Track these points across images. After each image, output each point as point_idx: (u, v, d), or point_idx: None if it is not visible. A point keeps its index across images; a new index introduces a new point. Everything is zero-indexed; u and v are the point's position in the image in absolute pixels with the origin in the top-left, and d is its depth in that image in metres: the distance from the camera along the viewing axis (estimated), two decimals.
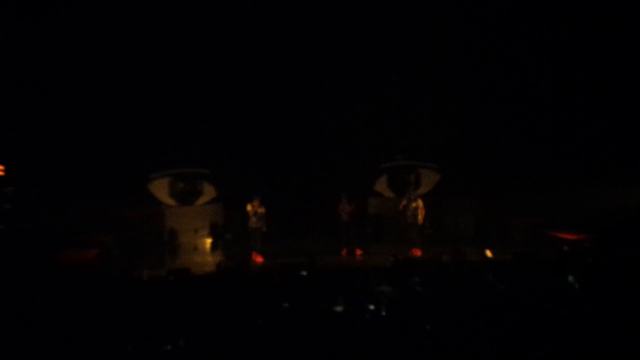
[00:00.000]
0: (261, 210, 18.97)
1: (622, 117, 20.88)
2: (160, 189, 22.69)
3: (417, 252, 18.77)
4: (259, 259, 18.67)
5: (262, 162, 24.14)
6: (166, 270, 14.45)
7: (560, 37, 21.95)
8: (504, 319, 9.21)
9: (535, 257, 14.60)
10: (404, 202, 19.55)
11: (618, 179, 19.30)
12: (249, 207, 18.98)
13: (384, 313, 9.80)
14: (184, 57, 23.49)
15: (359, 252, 19.51)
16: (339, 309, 9.98)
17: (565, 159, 21.01)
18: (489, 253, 16.12)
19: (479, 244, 18.55)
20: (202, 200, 23.08)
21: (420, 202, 19.35)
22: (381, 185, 23.73)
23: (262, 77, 24.46)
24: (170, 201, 22.73)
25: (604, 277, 11.68)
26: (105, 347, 8.60)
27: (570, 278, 11.48)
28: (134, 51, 22.68)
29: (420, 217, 19.28)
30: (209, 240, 22.17)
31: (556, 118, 22.19)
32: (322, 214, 21.50)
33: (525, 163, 21.87)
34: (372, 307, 10.00)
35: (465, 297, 10.43)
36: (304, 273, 13.20)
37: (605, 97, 21.23)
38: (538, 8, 22.14)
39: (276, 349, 8.32)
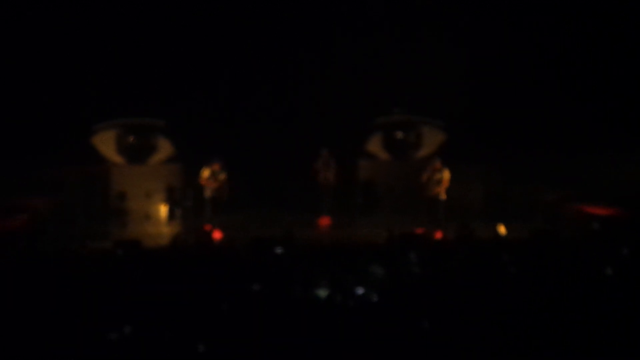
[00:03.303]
0: (222, 176, 19.09)
1: None
2: (106, 143, 22.47)
3: (438, 234, 18.68)
4: (217, 234, 18.74)
5: (229, 113, 24.03)
6: (112, 242, 14.48)
7: None
8: (514, 309, 9.29)
9: (557, 235, 14.72)
10: (428, 172, 19.55)
11: None
12: (205, 173, 19.10)
13: (374, 299, 9.88)
14: None
15: (324, 221, 19.57)
16: (321, 293, 10.04)
17: (596, 120, 21.12)
18: (502, 229, 16.27)
19: (491, 219, 18.69)
20: (156, 157, 22.93)
21: (446, 174, 19.35)
22: (375, 145, 23.63)
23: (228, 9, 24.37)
24: (117, 158, 22.58)
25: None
26: (38, 334, 8.63)
27: (608, 270, 11.51)
28: None
29: (443, 192, 19.33)
30: (164, 207, 22.10)
31: (586, 71, 22.30)
32: (299, 177, 21.55)
33: (547, 123, 21.96)
34: (360, 291, 10.07)
35: (471, 281, 10.53)
36: (279, 250, 13.26)
37: None
38: None
39: (243, 341, 8.37)
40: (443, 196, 19.37)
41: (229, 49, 24.29)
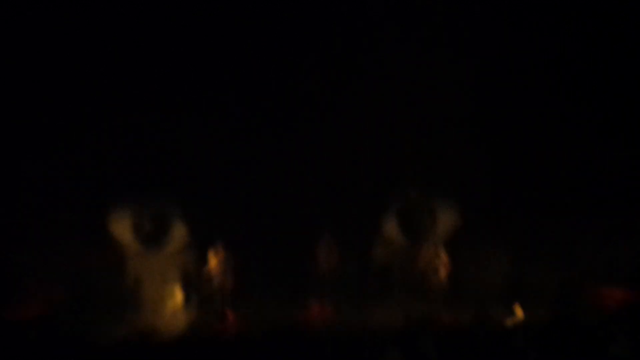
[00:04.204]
0: (230, 263, 19.30)
1: None
2: (122, 230, 22.66)
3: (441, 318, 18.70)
4: (234, 320, 18.76)
5: (238, 196, 24.15)
6: (128, 330, 14.53)
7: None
8: None
9: (576, 320, 14.67)
10: (426, 257, 19.67)
11: None
12: (212, 259, 19.32)
13: None
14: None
15: (326, 311, 19.59)
16: None
17: (615, 196, 21.19)
18: (519, 313, 16.24)
19: (507, 303, 18.66)
20: (172, 244, 23.02)
21: (445, 258, 19.46)
22: (390, 228, 23.66)
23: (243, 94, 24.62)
24: (133, 245, 22.71)
25: None
26: None
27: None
28: None
29: (442, 277, 19.40)
30: (180, 294, 22.14)
31: (603, 145, 22.44)
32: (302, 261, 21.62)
33: (566, 201, 21.99)
34: None
35: None
36: (296, 339, 13.32)
37: None
38: None
39: None
40: (443, 280, 19.43)
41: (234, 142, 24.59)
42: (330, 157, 23.90)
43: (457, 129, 23.99)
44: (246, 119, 24.03)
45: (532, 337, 12.86)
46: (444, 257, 19.51)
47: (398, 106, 24.20)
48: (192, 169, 23.51)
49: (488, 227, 22.16)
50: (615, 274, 19.86)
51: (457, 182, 23.24)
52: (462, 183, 23.13)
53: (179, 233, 22.83)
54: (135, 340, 13.43)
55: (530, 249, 21.89)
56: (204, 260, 20.94)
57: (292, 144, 24.24)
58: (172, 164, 23.51)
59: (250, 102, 24.16)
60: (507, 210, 22.34)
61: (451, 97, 23.90)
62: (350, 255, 21.38)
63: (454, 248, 22.14)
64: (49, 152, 22.32)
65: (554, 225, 21.45)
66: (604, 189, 21.59)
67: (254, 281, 21.26)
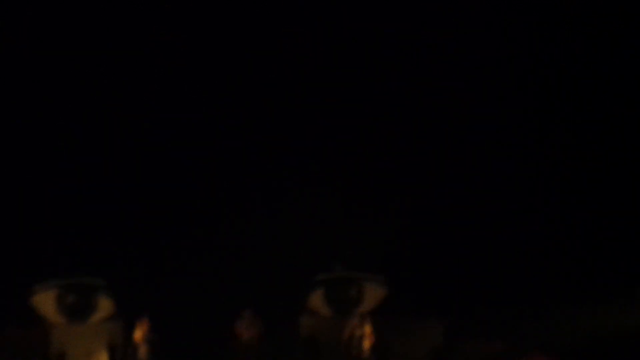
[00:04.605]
0: (152, 335, 19.32)
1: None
2: (46, 304, 22.35)
3: None
4: None
5: (167, 271, 24.12)
6: None
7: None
8: None
9: None
10: (349, 328, 19.81)
11: (594, 298, 19.90)
12: (137, 333, 19.30)
13: None
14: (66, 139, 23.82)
15: None
16: None
17: (533, 275, 21.56)
18: None
19: None
20: (97, 316, 22.78)
21: (368, 329, 19.60)
22: (316, 301, 23.70)
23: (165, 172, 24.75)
24: (57, 318, 22.41)
25: None
26: None
27: None
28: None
29: (366, 349, 19.53)
30: None
31: (525, 227, 22.91)
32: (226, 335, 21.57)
33: (489, 276, 22.30)
34: None
35: None
36: None
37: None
38: None
39: None
40: (366, 352, 19.54)
41: (155, 206, 24.59)
42: (258, 233, 24.10)
43: (380, 205, 24.33)
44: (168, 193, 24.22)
45: None
46: (368, 329, 19.59)
47: (322, 180, 24.57)
48: (118, 244, 23.47)
49: (417, 298, 22.37)
50: (539, 345, 20.10)
51: (385, 256, 23.52)
52: (391, 256, 23.42)
53: (103, 305, 22.61)
54: None
55: (460, 320, 22.08)
56: (130, 331, 20.72)
57: (217, 218, 24.38)
58: (96, 237, 23.45)
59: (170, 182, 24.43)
60: (438, 282, 22.58)
61: (372, 176, 24.34)
62: (278, 327, 21.34)
63: (382, 319, 22.26)
64: None
65: (484, 298, 21.72)
66: (531, 266, 22.00)
67: (179, 354, 21.13)
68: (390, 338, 22.31)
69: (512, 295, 21.46)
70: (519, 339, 20.85)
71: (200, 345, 22.30)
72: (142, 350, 19.60)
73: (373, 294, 23.38)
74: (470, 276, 22.67)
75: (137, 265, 23.73)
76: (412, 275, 23.52)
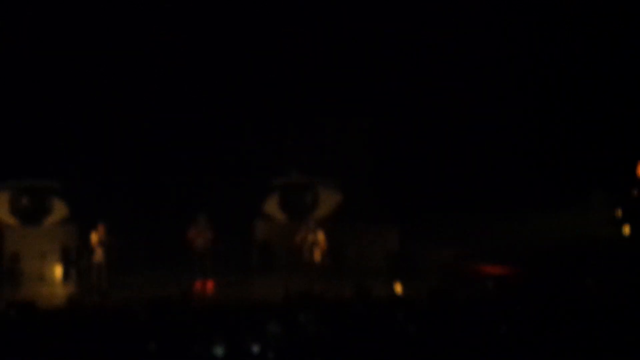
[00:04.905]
0: (109, 238, 19.34)
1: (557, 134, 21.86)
2: None
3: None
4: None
5: (120, 174, 23.98)
6: (5, 303, 14.29)
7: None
8: None
9: (452, 295, 14.96)
10: (301, 234, 19.92)
11: (547, 206, 20.03)
12: (93, 236, 19.30)
13: (271, 357, 9.94)
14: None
15: (210, 285, 19.64)
16: (218, 352, 10.07)
17: (489, 182, 21.63)
18: (398, 288, 16.45)
19: (388, 278, 18.91)
20: (50, 219, 22.71)
21: (320, 236, 19.69)
22: (271, 206, 23.73)
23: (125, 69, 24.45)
24: (10, 220, 22.32)
25: (533, 319, 12.08)
26: None
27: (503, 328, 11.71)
28: None
29: (317, 254, 19.65)
30: (58, 268, 21.83)
31: (481, 135, 22.89)
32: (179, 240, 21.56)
33: (443, 184, 22.36)
34: (257, 349, 10.13)
35: (370, 340, 10.66)
36: (176, 308, 13.27)
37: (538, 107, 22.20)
38: None
39: None
40: (318, 258, 19.66)
41: (118, 106, 24.31)
42: (214, 137, 23.94)
43: (337, 109, 24.21)
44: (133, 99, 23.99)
45: (411, 311, 13.03)
46: (321, 235, 19.68)
47: (281, 84, 24.38)
48: (73, 146, 23.28)
49: (373, 203, 22.42)
50: (492, 252, 20.27)
51: (341, 161, 23.46)
52: (347, 161, 23.37)
53: (57, 208, 22.50)
54: (14, 314, 13.20)
55: (414, 226, 22.18)
56: (84, 235, 20.65)
57: (174, 120, 24.18)
58: (51, 139, 23.23)
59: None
60: (393, 188, 22.61)
61: (331, 81, 24.17)
62: (233, 232, 21.35)
63: (338, 225, 22.34)
64: None
65: (439, 204, 21.81)
66: (487, 171, 22.07)
67: (135, 258, 21.15)
68: (346, 243, 22.46)
69: (466, 202, 21.54)
70: (472, 246, 21.01)
71: (155, 251, 22.34)
72: (98, 254, 19.56)
73: (328, 199, 23.41)
74: (425, 182, 22.70)
75: (92, 169, 23.54)
76: (367, 181, 23.53)
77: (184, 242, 20.41)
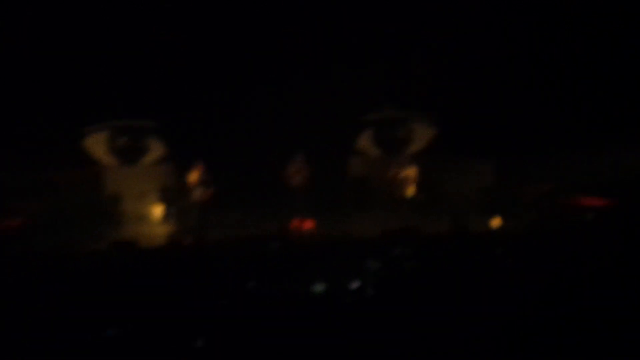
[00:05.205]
0: (206, 179, 19.52)
1: None
2: (97, 146, 22.49)
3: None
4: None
5: (217, 112, 24.00)
6: (107, 243, 14.51)
7: None
8: (511, 301, 9.32)
9: (550, 228, 14.79)
10: (395, 169, 19.90)
11: None
12: (190, 177, 19.69)
13: (370, 293, 9.93)
14: None
15: (308, 222, 19.63)
16: (317, 289, 10.10)
17: (587, 114, 21.24)
18: (495, 223, 16.30)
19: (484, 213, 18.76)
20: (148, 158, 22.96)
21: (412, 172, 19.63)
22: (365, 142, 23.66)
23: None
24: (109, 160, 22.61)
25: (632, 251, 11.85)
26: (35, 334, 8.68)
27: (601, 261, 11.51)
28: None
29: (411, 190, 19.59)
30: (158, 208, 22.10)
31: (581, 63, 22.42)
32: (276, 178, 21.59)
33: (540, 116, 22.00)
34: (356, 286, 10.13)
35: (467, 275, 10.59)
36: (274, 246, 13.32)
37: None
38: None
39: (240, 338, 8.41)
40: (411, 193, 19.59)
41: (214, 49, 24.31)
42: (308, 73, 23.81)
43: (429, 41, 23.89)
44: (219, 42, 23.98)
45: (509, 246, 12.90)
46: (413, 170, 19.62)
47: (374, 20, 24.11)
48: (170, 85, 23.39)
49: (468, 138, 22.14)
50: (591, 184, 19.92)
51: (435, 94, 23.17)
52: (442, 95, 23.05)
53: (154, 148, 22.73)
54: (115, 254, 13.41)
55: (511, 160, 21.89)
56: (181, 174, 20.82)
57: (269, 61, 24.15)
58: (149, 79, 23.36)
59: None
60: (489, 122, 22.30)
61: (427, 15, 23.81)
62: (328, 169, 21.34)
63: (433, 159, 22.20)
64: (24, 68, 22.11)
65: (535, 137, 21.48)
66: (584, 103, 21.65)
67: (233, 197, 21.29)
68: (441, 178, 22.32)
69: (563, 134, 21.15)
70: (570, 178, 20.69)
71: (252, 190, 22.45)
72: (195, 194, 19.82)
73: (422, 133, 23.27)
74: (521, 114, 22.35)
75: (190, 108, 23.63)
76: (462, 115, 23.21)
77: (282, 180, 20.47)
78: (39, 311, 9.31)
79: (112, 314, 9.00)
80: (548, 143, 21.26)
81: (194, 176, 19.80)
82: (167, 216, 21.71)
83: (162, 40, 23.83)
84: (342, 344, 8.16)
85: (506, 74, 23.03)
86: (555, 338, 8.41)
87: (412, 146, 22.88)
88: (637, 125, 20.36)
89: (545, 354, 8.25)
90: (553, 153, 20.99)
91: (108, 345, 8.34)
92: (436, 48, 23.89)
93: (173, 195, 21.78)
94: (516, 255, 12.00)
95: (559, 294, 9.58)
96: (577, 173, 20.25)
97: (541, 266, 11.19)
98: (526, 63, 23.00)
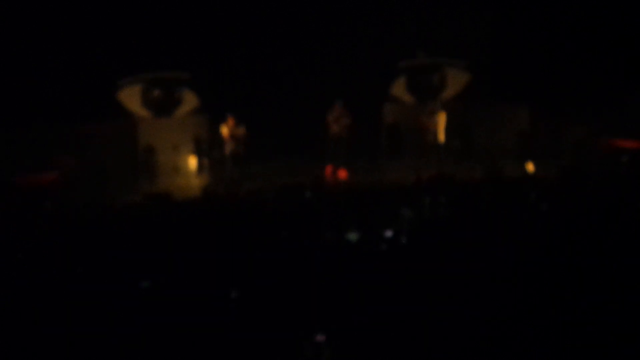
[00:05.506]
0: (238, 131, 19.50)
1: None
2: (131, 98, 22.56)
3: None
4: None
5: (251, 64, 23.91)
6: (142, 195, 14.55)
7: None
8: (547, 247, 9.24)
9: (585, 171, 14.66)
10: (428, 116, 19.85)
11: None
12: (223, 129, 19.62)
13: (404, 241, 9.89)
14: None
15: (343, 171, 19.58)
16: (351, 237, 10.06)
17: (626, 56, 20.97)
18: (530, 167, 16.18)
19: (519, 158, 18.64)
20: (182, 110, 22.98)
21: (442, 117, 19.55)
22: (399, 89, 23.56)
23: None
24: (143, 113, 22.65)
25: None
26: (72, 284, 8.72)
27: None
28: None
29: (443, 137, 19.54)
30: (192, 160, 22.13)
31: (613, 4, 22.07)
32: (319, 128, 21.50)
33: (574, 58, 21.74)
34: (390, 234, 10.09)
35: (503, 220, 10.52)
36: (309, 195, 13.29)
37: None
38: None
39: (274, 289, 8.41)
40: (441, 139, 19.53)
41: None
42: (342, 21, 23.60)
43: None
44: None
45: (544, 190, 12.80)
46: (441, 115, 19.56)
47: None
48: (203, 36, 23.26)
49: (502, 82, 21.91)
50: (626, 126, 19.72)
51: (468, 39, 22.91)
52: (475, 40, 22.79)
53: (188, 99, 22.75)
54: (151, 206, 13.45)
55: (545, 104, 21.67)
56: (214, 126, 20.80)
57: (301, 10, 23.92)
58: (182, 30, 23.25)
59: None
60: (522, 66, 22.04)
61: None
62: (362, 117, 21.23)
63: (467, 105, 22.05)
64: (59, 22, 22.07)
65: (570, 80, 21.22)
66: (618, 45, 21.34)
67: (267, 148, 21.31)
68: (474, 124, 22.17)
69: (597, 79, 20.89)
70: (605, 121, 20.49)
71: (286, 140, 22.41)
72: (229, 146, 19.83)
73: (456, 79, 23.14)
74: (555, 57, 22.09)
75: (223, 58, 23.54)
76: (496, 59, 22.98)
77: (320, 129, 20.40)
78: (75, 264, 9.36)
79: (147, 266, 9.02)
80: (582, 86, 21.01)
81: (225, 129, 19.78)
82: (201, 168, 21.78)
83: None
84: (376, 292, 8.14)
85: (540, 18, 22.73)
86: (589, 282, 8.33)
87: (446, 93, 22.76)
88: None
89: (579, 298, 8.16)
90: (588, 96, 20.75)
91: (143, 297, 8.36)
92: None
93: (207, 147, 21.84)
94: (551, 200, 11.89)
95: (595, 238, 9.48)
96: (612, 115, 20.03)
97: (576, 209, 11.10)
98: (560, 5, 22.65)
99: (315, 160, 20.76)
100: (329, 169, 19.49)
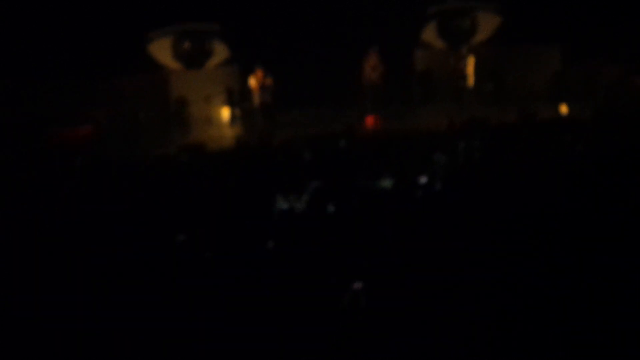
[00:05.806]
0: (267, 81, 19.44)
1: None
2: (162, 51, 22.56)
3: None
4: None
5: (281, 13, 23.73)
6: (176, 146, 14.57)
7: None
8: (584, 191, 9.14)
9: (620, 111, 14.52)
10: (458, 61, 19.69)
11: None
12: (251, 80, 19.69)
13: (438, 187, 9.85)
14: None
15: (376, 118, 19.48)
16: (385, 184, 10.03)
17: None
18: (564, 109, 16.04)
19: (553, 100, 18.46)
20: (213, 61, 22.95)
21: (471, 60, 19.38)
22: (430, 34, 23.35)
23: None
24: (174, 64, 22.64)
25: None
26: (108, 236, 8.74)
27: None
28: None
29: (475, 81, 19.38)
30: (225, 110, 22.11)
31: None
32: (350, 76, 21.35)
33: None
34: (424, 180, 10.05)
35: (537, 162, 10.44)
36: (342, 144, 13.25)
37: None
38: None
39: (311, 237, 8.40)
40: (470, 83, 19.38)
41: None
42: None
43: None
44: None
45: (579, 132, 12.69)
46: (470, 59, 19.41)
47: None
48: None
49: (534, 26, 21.64)
50: None
51: None
52: None
53: (219, 51, 22.72)
54: (185, 157, 13.46)
55: (578, 44, 21.40)
56: (245, 77, 20.73)
57: None
58: None
59: None
60: (554, 5, 21.72)
61: None
62: (392, 63, 21.08)
63: (498, 48, 21.83)
64: None
65: (602, 19, 20.92)
66: None
67: (300, 97, 21.19)
68: (507, 67, 21.96)
69: (631, 18, 20.56)
70: (636, 62, 20.23)
71: (319, 88, 22.27)
72: (258, 97, 19.79)
73: (487, 22, 22.91)
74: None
75: (254, 8, 23.38)
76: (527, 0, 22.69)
77: (351, 76, 20.28)
78: (110, 218, 9.38)
79: (182, 218, 9.03)
80: (616, 24, 20.73)
81: (253, 80, 19.72)
82: (233, 118, 21.77)
83: None
84: (410, 239, 8.10)
85: None
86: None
87: (477, 36, 22.55)
88: None
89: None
90: (621, 35, 20.47)
91: (178, 250, 8.37)
92: None
93: (239, 97, 21.81)
94: (586, 141, 11.78)
95: (633, 179, 9.37)
96: None
97: (611, 150, 10.99)
98: None
99: (347, 108, 20.68)
100: (370, 119, 19.42)
